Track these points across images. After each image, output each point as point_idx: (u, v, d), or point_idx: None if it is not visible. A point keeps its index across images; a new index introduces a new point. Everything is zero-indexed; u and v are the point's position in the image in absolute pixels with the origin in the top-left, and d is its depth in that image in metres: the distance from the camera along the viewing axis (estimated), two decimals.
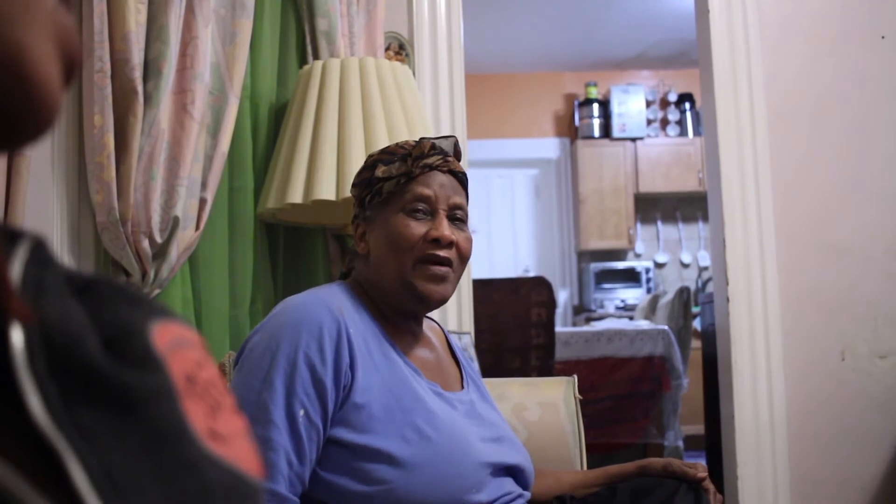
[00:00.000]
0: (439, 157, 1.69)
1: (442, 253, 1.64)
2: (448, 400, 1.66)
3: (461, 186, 1.74)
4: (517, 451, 1.73)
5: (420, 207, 1.65)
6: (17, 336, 0.41)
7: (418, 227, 1.64)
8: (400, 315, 1.70)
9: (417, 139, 1.73)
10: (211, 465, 0.47)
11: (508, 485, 1.66)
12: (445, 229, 1.65)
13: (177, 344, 0.50)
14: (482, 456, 1.60)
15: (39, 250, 0.47)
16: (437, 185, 1.67)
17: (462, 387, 1.77)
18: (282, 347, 1.52)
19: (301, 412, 1.48)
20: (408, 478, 1.50)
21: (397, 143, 1.75)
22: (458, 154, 1.76)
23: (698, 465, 1.78)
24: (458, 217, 1.70)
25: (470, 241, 1.72)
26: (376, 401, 1.54)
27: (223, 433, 0.49)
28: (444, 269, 1.65)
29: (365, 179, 1.72)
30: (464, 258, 1.70)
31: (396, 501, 1.49)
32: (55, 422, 0.41)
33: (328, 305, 1.57)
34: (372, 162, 1.72)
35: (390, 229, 1.65)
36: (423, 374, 1.65)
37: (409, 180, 1.66)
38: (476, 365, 2.95)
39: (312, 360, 1.51)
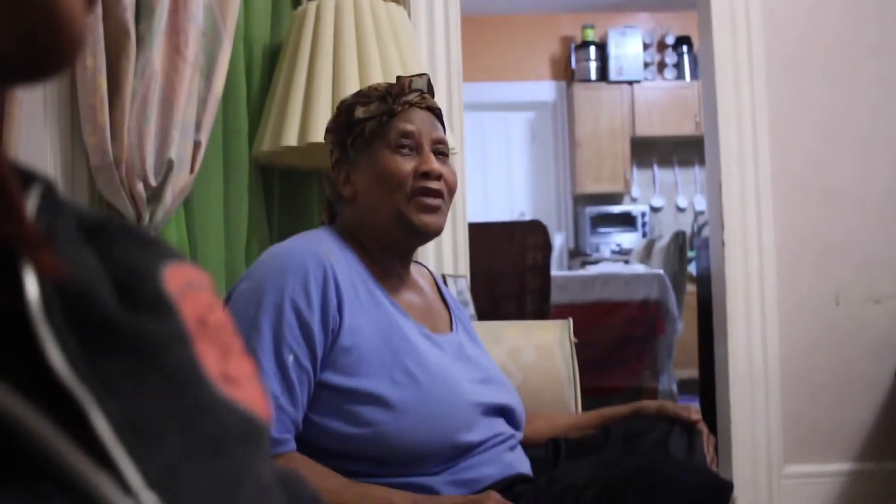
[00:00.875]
0: (417, 93, 1.71)
1: (433, 185, 1.66)
2: (436, 341, 1.67)
3: (439, 122, 1.75)
4: (507, 392, 1.74)
5: (406, 143, 1.67)
6: (32, 287, 0.41)
7: (407, 163, 1.66)
8: (389, 255, 1.72)
9: (389, 81, 1.75)
10: (225, 409, 0.48)
11: (500, 425, 1.67)
12: (433, 162, 1.67)
13: (188, 286, 0.50)
14: (472, 396, 1.62)
15: (50, 195, 0.47)
16: (419, 120, 1.69)
17: (451, 329, 1.78)
18: (267, 293, 1.52)
19: (290, 357, 1.49)
20: (398, 419, 1.51)
21: (369, 86, 1.75)
22: (431, 91, 1.77)
23: (691, 408, 1.80)
24: (441, 151, 1.72)
25: (455, 174, 1.73)
26: (365, 343, 1.55)
27: (235, 376, 0.50)
28: (437, 201, 1.67)
29: (343, 123, 1.72)
30: (451, 190, 1.71)
31: (387, 442, 1.51)
32: (76, 372, 0.41)
33: (313, 250, 1.58)
34: (347, 106, 1.73)
35: (378, 167, 1.66)
36: (411, 316, 1.66)
37: (391, 118, 1.68)
38: (472, 308, 2.96)
39: (298, 304, 1.52)
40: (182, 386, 0.46)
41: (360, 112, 1.69)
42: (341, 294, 1.55)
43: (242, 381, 0.50)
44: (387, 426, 1.50)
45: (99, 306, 0.44)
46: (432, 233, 1.69)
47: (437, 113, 1.75)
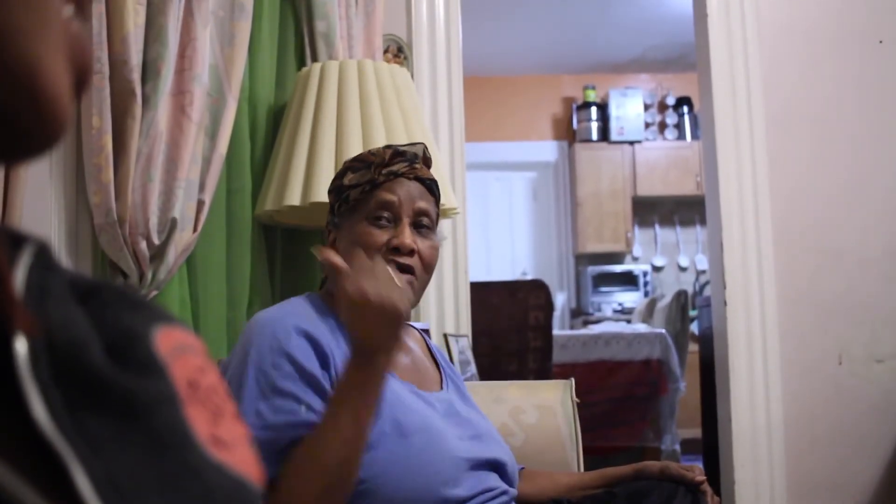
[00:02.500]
0: (405, 163, 1.68)
1: (402, 260, 1.63)
2: (425, 399, 1.65)
3: (429, 193, 1.72)
4: (498, 447, 1.72)
5: (384, 215, 1.65)
6: (20, 342, 0.41)
7: (380, 235, 1.63)
8: None
9: (388, 147, 1.73)
10: (213, 471, 0.47)
11: (492, 479, 1.65)
12: (406, 237, 1.63)
13: (179, 349, 0.50)
14: (458, 451, 1.59)
15: (43, 255, 0.47)
16: (403, 191, 1.66)
17: (441, 388, 1.76)
18: (262, 355, 1.51)
19: (302, 407, 1.47)
20: (385, 471, 1.49)
21: (369, 151, 1.74)
22: (427, 161, 1.74)
23: (695, 468, 1.79)
24: (423, 224, 1.68)
25: (435, 248, 1.70)
26: None
27: (225, 439, 0.49)
28: (406, 277, 1.62)
29: (336, 187, 1.73)
30: (428, 266, 1.67)
31: (374, 496, 1.48)
32: (59, 428, 0.41)
33: (293, 317, 1.57)
34: (343, 169, 1.73)
35: (354, 237, 1.65)
36: (397, 375, 1.64)
37: (374, 187, 1.66)
38: (473, 367, 2.95)
39: (294, 355, 1.51)
40: (168, 447, 0.45)
41: (347, 178, 1.69)
42: (333, 351, 1.55)
43: (233, 444, 0.50)
44: (374, 480, 1.48)
45: (87, 363, 0.44)
46: None
47: (427, 184, 1.72)
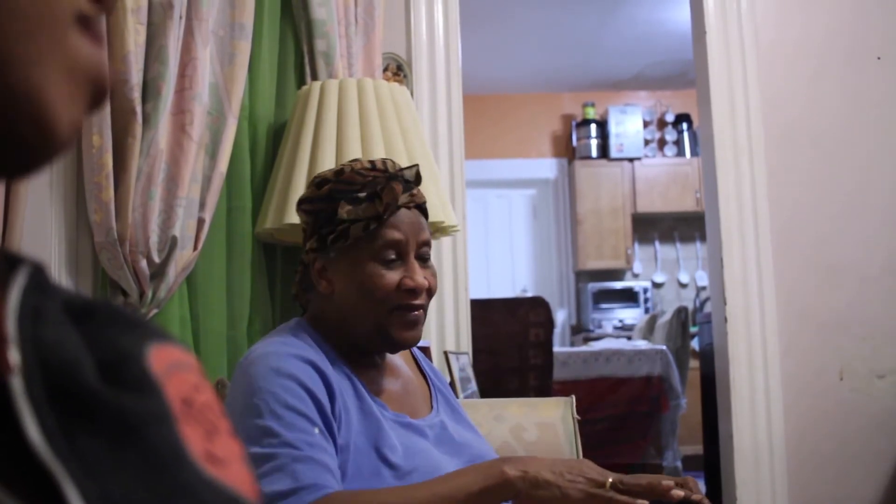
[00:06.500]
0: (407, 194, 1.64)
1: (417, 301, 1.61)
2: (418, 429, 1.63)
3: (424, 217, 1.69)
4: None
5: (391, 256, 1.60)
6: (14, 362, 0.41)
7: (392, 276, 1.59)
8: (365, 354, 1.68)
9: (372, 164, 1.64)
10: (208, 489, 0.47)
11: None
12: (419, 276, 1.60)
13: (173, 367, 0.50)
14: None
15: (38, 276, 0.47)
16: (407, 225, 1.62)
17: (431, 408, 1.74)
18: (267, 379, 1.48)
19: (315, 429, 1.45)
20: None
21: (353, 169, 1.63)
22: (419, 180, 1.69)
23: (689, 480, 1.73)
24: (426, 255, 1.66)
25: (436, 275, 1.68)
26: (354, 440, 1.51)
27: (220, 456, 0.49)
28: (417, 314, 1.62)
29: (323, 213, 1.63)
30: (431, 294, 1.66)
31: None
32: (53, 448, 0.41)
33: (292, 347, 1.55)
34: (328, 191, 1.62)
35: (363, 278, 1.59)
36: (389, 408, 1.62)
37: (379, 225, 1.60)
38: (474, 385, 2.95)
39: (302, 379, 1.48)
40: (163, 465, 0.45)
41: (345, 211, 1.60)
42: (334, 387, 1.53)
43: (228, 461, 0.50)
44: None
45: (81, 383, 0.44)
46: (410, 346, 1.66)
47: (423, 208, 1.69)
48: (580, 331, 8.01)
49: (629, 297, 8.05)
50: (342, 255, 1.62)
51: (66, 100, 0.44)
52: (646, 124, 8.19)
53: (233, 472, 0.50)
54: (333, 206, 1.61)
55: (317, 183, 1.66)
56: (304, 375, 1.50)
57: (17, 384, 0.41)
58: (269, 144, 2.78)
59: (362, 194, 1.61)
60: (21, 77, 0.42)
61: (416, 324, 1.62)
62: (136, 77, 2.42)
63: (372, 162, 1.65)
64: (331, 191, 1.62)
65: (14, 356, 0.42)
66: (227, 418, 0.53)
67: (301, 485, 1.38)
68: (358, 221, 1.59)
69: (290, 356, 1.52)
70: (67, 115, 0.44)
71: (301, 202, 1.68)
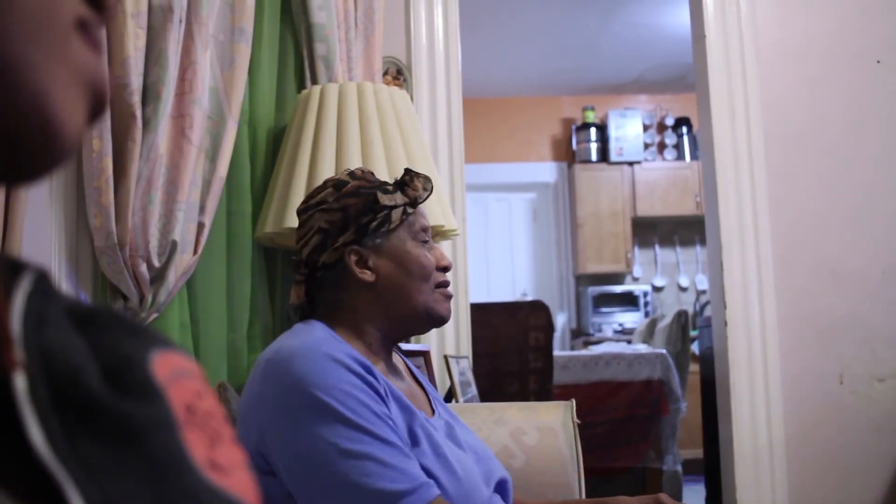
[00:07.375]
0: (425, 190, 1.75)
1: (449, 278, 1.75)
2: (434, 426, 1.64)
3: None
4: (498, 465, 1.75)
5: (427, 238, 1.72)
6: (20, 359, 0.42)
7: (430, 257, 1.71)
8: (389, 344, 1.72)
9: (388, 164, 1.76)
10: (211, 496, 0.47)
11: (498, 500, 1.66)
12: (447, 255, 1.75)
13: (177, 374, 0.50)
14: (483, 478, 1.62)
15: (42, 282, 0.47)
16: (425, 214, 1.76)
17: (432, 410, 1.76)
18: (339, 383, 1.48)
19: (390, 421, 1.48)
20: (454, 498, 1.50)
21: (361, 172, 1.74)
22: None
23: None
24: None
25: None
26: (400, 434, 1.52)
27: (223, 464, 0.49)
28: (450, 290, 1.74)
29: (353, 207, 1.68)
30: None
31: None
32: (56, 453, 0.41)
33: (337, 347, 1.56)
34: (354, 188, 1.68)
35: (409, 258, 1.68)
36: (413, 406, 1.62)
37: (414, 210, 1.72)
38: (474, 388, 2.95)
39: (361, 373, 1.50)
40: (165, 472, 0.45)
41: (385, 199, 1.68)
42: (382, 386, 1.54)
43: (231, 468, 0.50)
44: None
45: (85, 388, 0.44)
46: (446, 322, 1.76)
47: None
48: (580, 334, 8.01)
49: (629, 300, 8.05)
50: (385, 241, 1.69)
51: (71, 105, 0.44)
52: (646, 128, 8.19)
53: (235, 480, 0.50)
54: (367, 197, 1.68)
55: (334, 184, 1.72)
56: (360, 369, 1.51)
57: (20, 386, 0.41)
58: (269, 148, 2.78)
59: (389, 186, 1.72)
60: (26, 80, 0.42)
61: (450, 300, 1.75)
62: (135, 81, 2.42)
63: (360, 169, 1.77)
64: (357, 188, 1.70)
65: (19, 354, 0.42)
66: (229, 426, 0.53)
67: (418, 482, 1.43)
68: (397, 207, 1.69)
69: (336, 351, 1.52)
70: (72, 121, 0.44)
71: (318, 204, 1.71)
